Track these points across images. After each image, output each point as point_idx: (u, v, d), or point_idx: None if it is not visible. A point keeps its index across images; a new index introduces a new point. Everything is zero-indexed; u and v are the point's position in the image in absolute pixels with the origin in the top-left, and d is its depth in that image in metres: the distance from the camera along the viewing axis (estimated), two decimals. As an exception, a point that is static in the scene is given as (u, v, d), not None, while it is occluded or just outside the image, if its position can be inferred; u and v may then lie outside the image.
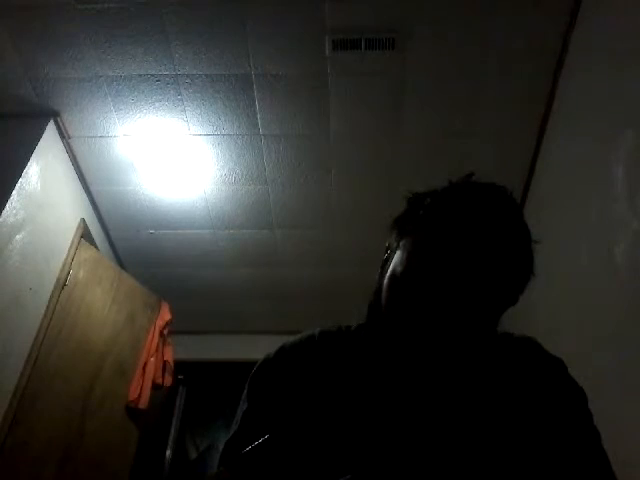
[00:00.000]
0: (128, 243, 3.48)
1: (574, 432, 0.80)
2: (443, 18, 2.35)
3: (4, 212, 2.41)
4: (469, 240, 0.75)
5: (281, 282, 3.76)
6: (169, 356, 3.31)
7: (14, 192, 2.48)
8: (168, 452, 3.90)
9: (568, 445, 0.79)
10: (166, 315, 3.37)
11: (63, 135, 2.82)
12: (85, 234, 3.05)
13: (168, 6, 2.32)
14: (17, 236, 2.49)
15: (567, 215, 2.33)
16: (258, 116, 2.73)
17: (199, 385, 4.18)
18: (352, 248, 3.44)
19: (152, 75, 2.57)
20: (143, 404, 3.02)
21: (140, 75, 2.57)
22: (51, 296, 2.69)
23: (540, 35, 2.38)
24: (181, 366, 3.66)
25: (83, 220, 3.06)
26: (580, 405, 0.84)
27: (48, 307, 2.66)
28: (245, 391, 0.95)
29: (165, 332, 3.33)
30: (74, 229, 2.96)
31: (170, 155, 2.93)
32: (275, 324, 3.86)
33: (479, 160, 2.76)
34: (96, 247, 3.18)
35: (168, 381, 3.27)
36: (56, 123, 2.76)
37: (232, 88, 2.61)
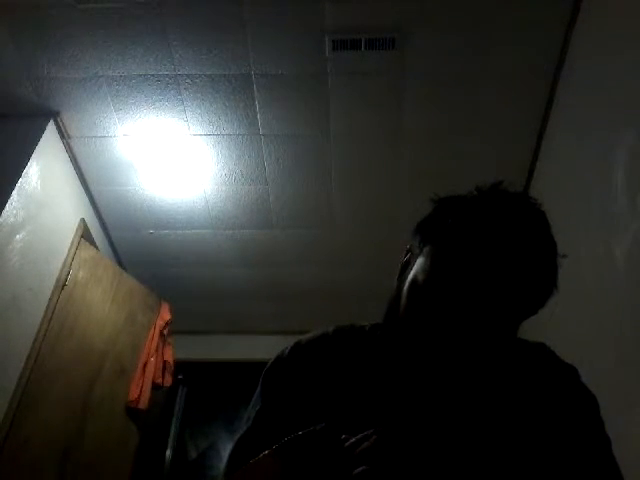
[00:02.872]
0: (128, 243, 3.48)
1: (585, 439, 0.80)
2: (443, 18, 2.35)
3: (4, 212, 2.41)
4: (497, 255, 0.74)
5: (281, 282, 3.76)
6: (169, 356, 3.31)
7: (14, 192, 2.48)
8: (168, 452, 3.90)
9: (579, 452, 0.79)
10: (166, 315, 3.37)
11: (63, 135, 2.82)
12: (85, 234, 3.05)
13: (168, 6, 2.33)
14: (17, 236, 2.49)
15: (567, 215, 2.33)
16: (258, 116, 2.73)
17: (199, 385, 4.18)
18: (352, 248, 3.44)
19: (152, 75, 2.57)
20: (143, 404, 3.02)
21: (140, 75, 2.57)
22: (51, 296, 2.69)
23: (540, 35, 2.37)
24: (181, 366, 3.65)
25: (83, 220, 3.06)
26: (592, 412, 0.84)
27: (48, 307, 2.66)
28: (258, 389, 0.94)
29: (165, 332, 3.33)
30: (74, 229, 2.96)
31: (170, 155, 2.93)
32: (275, 324, 3.87)
33: (479, 160, 2.76)
34: (96, 247, 3.18)
35: (168, 381, 3.27)
36: (56, 123, 2.76)
37: (232, 88, 2.61)
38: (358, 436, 0.70)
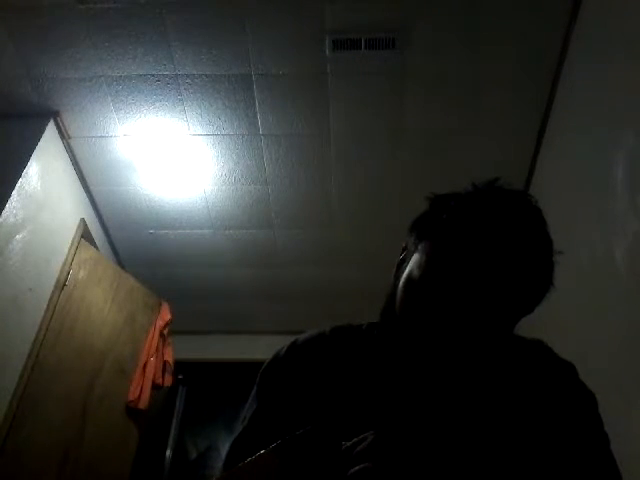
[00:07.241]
0: (128, 243, 3.48)
1: (583, 436, 0.80)
2: (443, 18, 2.35)
3: (4, 212, 2.41)
4: (491, 250, 0.74)
5: (281, 282, 3.76)
6: (169, 356, 3.31)
7: (14, 192, 2.48)
8: (168, 452, 3.90)
9: (577, 449, 0.79)
10: (166, 315, 3.37)
11: (63, 135, 2.82)
12: (85, 234, 3.05)
13: (168, 6, 2.33)
14: (17, 236, 2.49)
15: (567, 215, 2.33)
16: (258, 116, 2.73)
17: (199, 385, 4.18)
18: (352, 248, 3.44)
19: (152, 75, 2.57)
20: (143, 404, 3.01)
21: (140, 75, 2.57)
22: (51, 296, 2.69)
23: (540, 35, 2.38)
24: (181, 366, 3.66)
25: (83, 220, 3.06)
26: (590, 410, 0.84)
27: (48, 307, 2.66)
28: (254, 389, 0.94)
29: (165, 332, 3.33)
30: (74, 229, 2.96)
31: (170, 155, 2.93)
32: (275, 324, 3.87)
33: (479, 160, 2.76)
34: (96, 247, 3.18)
35: (168, 381, 3.27)
36: (56, 123, 2.76)
37: (232, 88, 2.61)
38: (355, 439, 0.70)
